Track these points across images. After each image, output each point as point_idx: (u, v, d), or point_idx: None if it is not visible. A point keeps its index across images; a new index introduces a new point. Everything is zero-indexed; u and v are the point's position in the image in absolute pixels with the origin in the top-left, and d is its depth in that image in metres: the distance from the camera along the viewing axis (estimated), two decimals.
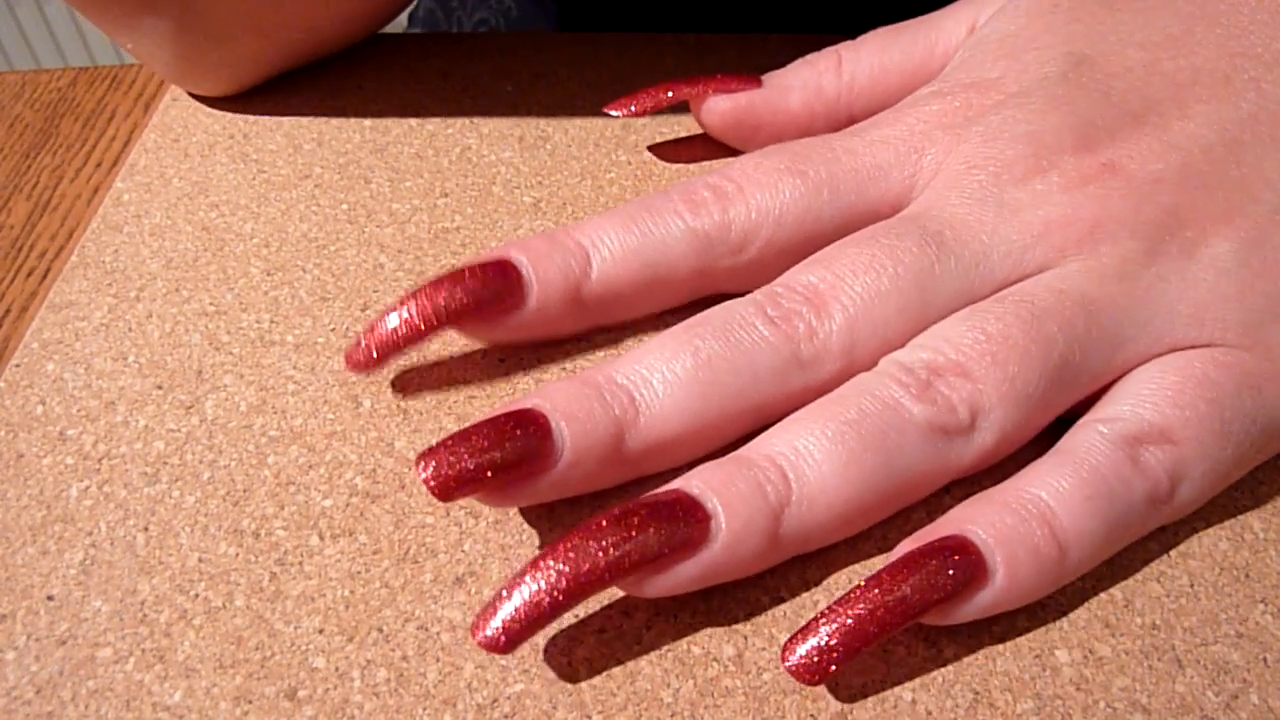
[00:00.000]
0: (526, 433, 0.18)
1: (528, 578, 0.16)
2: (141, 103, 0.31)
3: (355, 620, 0.18)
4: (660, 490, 0.17)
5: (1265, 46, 0.21)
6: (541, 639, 0.18)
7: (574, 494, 0.19)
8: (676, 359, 0.19)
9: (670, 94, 0.25)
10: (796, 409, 0.19)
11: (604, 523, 0.16)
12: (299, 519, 0.20)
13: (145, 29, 0.26)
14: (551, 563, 0.16)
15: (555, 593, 0.16)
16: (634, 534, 0.16)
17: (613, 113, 0.25)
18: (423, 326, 0.20)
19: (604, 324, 0.22)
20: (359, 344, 0.20)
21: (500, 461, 0.17)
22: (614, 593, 0.19)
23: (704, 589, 0.18)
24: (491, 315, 0.21)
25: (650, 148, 0.27)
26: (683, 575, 0.17)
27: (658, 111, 0.26)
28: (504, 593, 0.16)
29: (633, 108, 0.25)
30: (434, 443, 0.18)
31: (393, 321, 0.20)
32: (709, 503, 0.17)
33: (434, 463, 0.17)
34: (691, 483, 0.17)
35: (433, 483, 0.17)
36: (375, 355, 0.20)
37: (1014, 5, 0.24)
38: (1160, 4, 0.22)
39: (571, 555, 0.16)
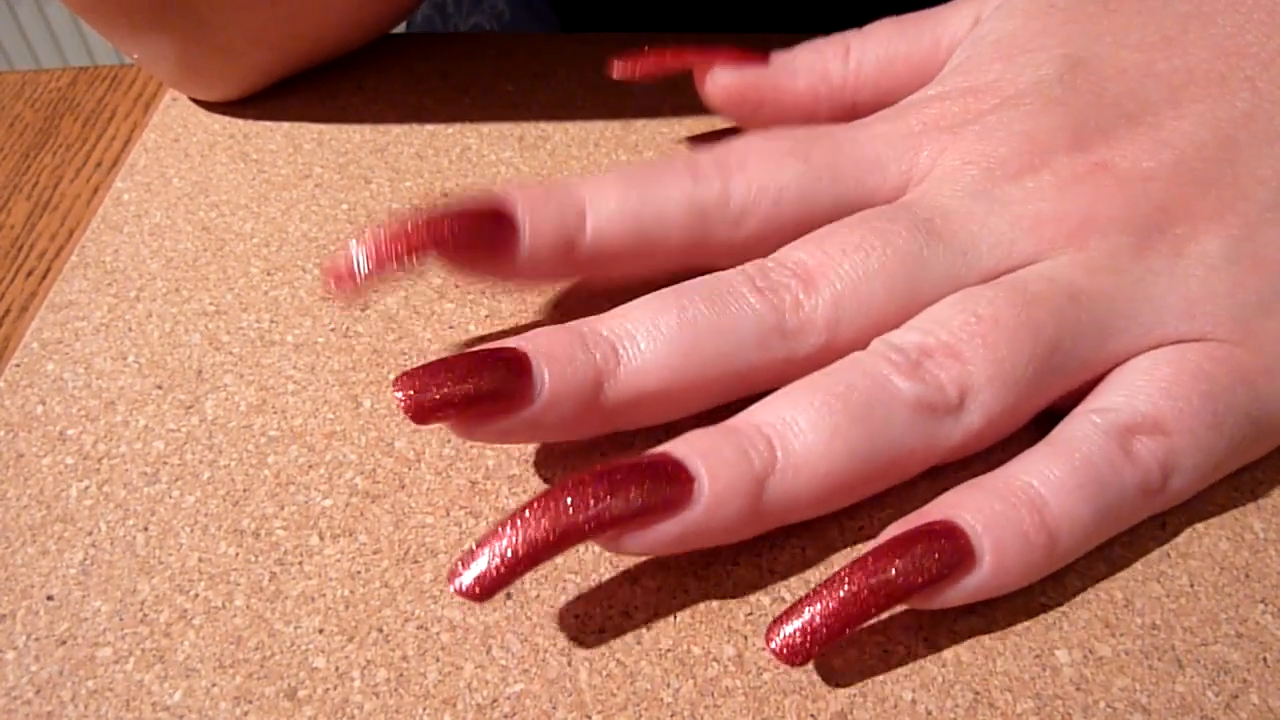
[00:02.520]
0: (507, 368, 0.18)
1: (507, 528, 0.16)
2: (141, 103, 0.31)
3: (355, 620, 0.18)
4: (645, 453, 0.18)
5: (1261, 45, 0.21)
6: (542, 639, 0.18)
7: (547, 439, 0.19)
8: (662, 316, 0.19)
9: (675, 60, 0.25)
10: (777, 380, 0.19)
11: (587, 477, 0.17)
12: (299, 519, 0.20)
13: (153, 42, 0.27)
14: (530, 514, 0.16)
15: (533, 543, 0.16)
16: (617, 490, 0.17)
17: (615, 73, 0.25)
18: (407, 255, 0.20)
19: (591, 277, 0.22)
20: (342, 259, 0.20)
21: (477, 392, 0.18)
22: (614, 592, 0.19)
23: (705, 591, 0.19)
24: (480, 256, 0.20)
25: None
26: (662, 535, 0.17)
27: (661, 76, 0.25)
28: (482, 542, 0.16)
29: (637, 69, 0.25)
30: (412, 368, 0.18)
31: (373, 243, 0.19)
32: (693, 465, 0.17)
33: (411, 386, 0.17)
34: (677, 446, 0.18)
35: (408, 403, 0.17)
36: (356, 276, 0.19)
37: (1011, 4, 0.24)
38: (1157, 4, 0.22)
39: (552, 507, 0.16)
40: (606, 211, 0.21)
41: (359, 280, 0.20)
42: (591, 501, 0.16)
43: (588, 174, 0.27)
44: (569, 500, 0.16)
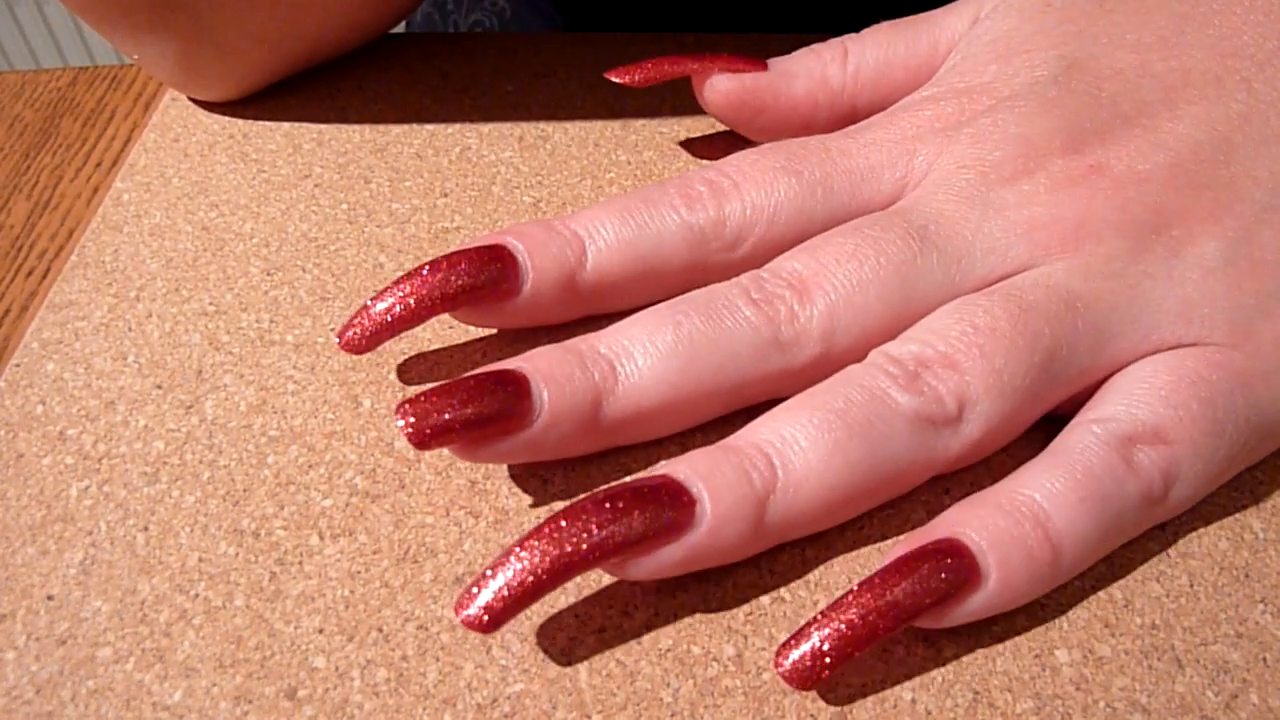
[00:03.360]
0: (506, 391, 0.18)
1: (512, 558, 0.16)
2: (141, 103, 0.31)
3: (355, 620, 0.18)
4: (646, 475, 0.18)
5: (1258, 46, 0.21)
6: (542, 639, 0.18)
7: (549, 458, 0.20)
8: (659, 333, 0.19)
9: (673, 67, 0.25)
10: (774, 392, 0.19)
11: (589, 505, 0.17)
12: (299, 519, 0.20)
13: (153, 42, 0.27)
14: (536, 543, 0.16)
15: (539, 573, 0.16)
16: (619, 516, 0.17)
17: (614, 79, 0.25)
18: (417, 310, 0.20)
19: (595, 313, 0.22)
20: (352, 324, 0.21)
21: (477, 416, 0.18)
22: (614, 592, 0.19)
23: (705, 591, 0.19)
24: (485, 301, 0.21)
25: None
26: (666, 559, 0.17)
27: (659, 83, 0.25)
28: (488, 572, 0.16)
29: (635, 76, 0.25)
30: (414, 394, 0.18)
31: (385, 303, 0.20)
32: (694, 487, 0.17)
33: (413, 413, 0.18)
34: (678, 468, 0.18)
35: (410, 431, 0.18)
36: (368, 337, 0.20)
37: (1007, 4, 0.24)
38: (1154, 5, 0.22)
39: (556, 536, 0.16)
40: (605, 243, 0.21)
41: (375, 342, 0.20)
42: (594, 529, 0.16)
43: (583, 186, 0.27)
44: (572, 529, 0.16)
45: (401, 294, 0.20)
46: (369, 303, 0.21)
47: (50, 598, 0.19)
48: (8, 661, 0.18)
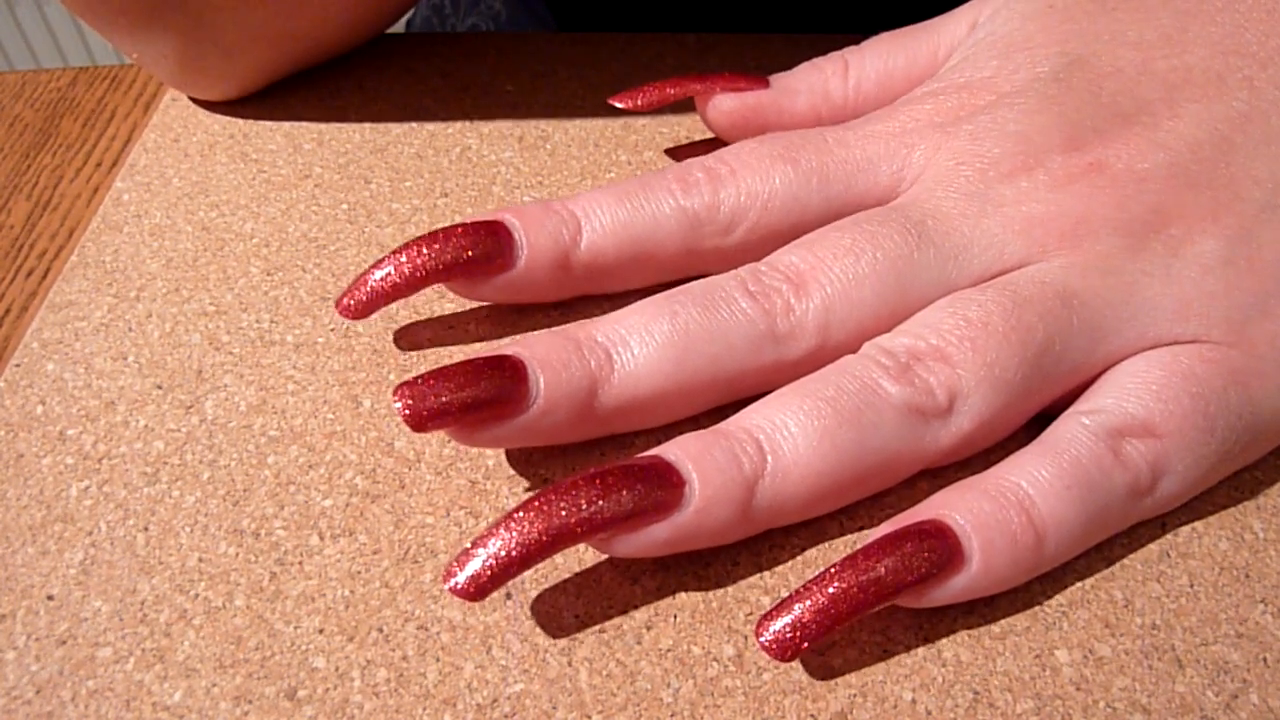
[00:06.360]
0: (503, 375, 0.18)
1: (501, 529, 0.17)
2: (141, 103, 0.31)
3: (355, 620, 0.18)
4: (638, 456, 0.18)
5: (1260, 44, 0.21)
6: (542, 639, 0.18)
7: (543, 443, 0.20)
8: (656, 322, 0.19)
9: (676, 90, 0.25)
10: (769, 384, 0.20)
11: (580, 480, 0.17)
12: (299, 519, 0.20)
13: (151, 41, 0.27)
14: (524, 515, 0.17)
15: (526, 545, 0.16)
16: (608, 492, 0.17)
17: (617, 104, 0.26)
18: (412, 278, 0.21)
19: (589, 293, 0.23)
20: (350, 292, 0.21)
21: (474, 400, 0.18)
22: (614, 592, 0.19)
23: (705, 591, 0.19)
24: (479, 274, 0.21)
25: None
26: (653, 537, 0.17)
27: (663, 106, 0.26)
28: (477, 543, 0.17)
29: (638, 101, 0.25)
30: (411, 377, 0.18)
31: (383, 271, 0.21)
32: (684, 468, 0.17)
33: (410, 395, 0.18)
34: (669, 449, 0.18)
35: (407, 413, 0.18)
36: (364, 303, 0.21)
37: (1010, 6, 0.24)
38: (1156, 3, 0.22)
39: (545, 509, 0.17)
40: (600, 224, 0.21)
41: (370, 309, 0.21)
42: (583, 504, 0.17)
43: (583, 186, 0.27)
44: (561, 503, 0.17)
45: (399, 263, 0.21)
46: (367, 271, 0.21)
47: (50, 598, 0.19)
48: (8, 661, 0.18)
